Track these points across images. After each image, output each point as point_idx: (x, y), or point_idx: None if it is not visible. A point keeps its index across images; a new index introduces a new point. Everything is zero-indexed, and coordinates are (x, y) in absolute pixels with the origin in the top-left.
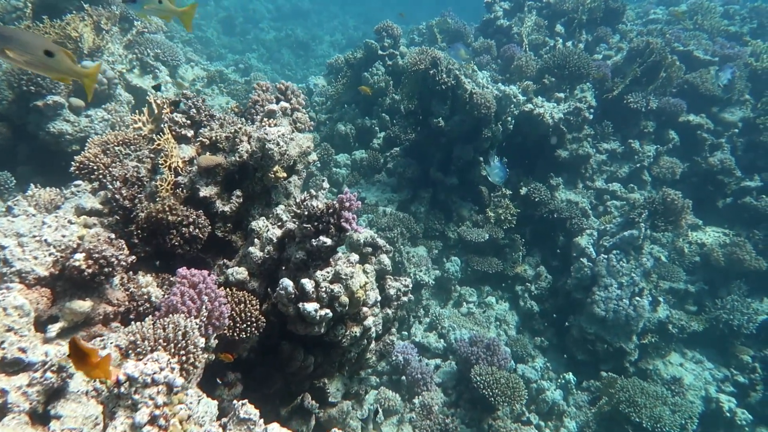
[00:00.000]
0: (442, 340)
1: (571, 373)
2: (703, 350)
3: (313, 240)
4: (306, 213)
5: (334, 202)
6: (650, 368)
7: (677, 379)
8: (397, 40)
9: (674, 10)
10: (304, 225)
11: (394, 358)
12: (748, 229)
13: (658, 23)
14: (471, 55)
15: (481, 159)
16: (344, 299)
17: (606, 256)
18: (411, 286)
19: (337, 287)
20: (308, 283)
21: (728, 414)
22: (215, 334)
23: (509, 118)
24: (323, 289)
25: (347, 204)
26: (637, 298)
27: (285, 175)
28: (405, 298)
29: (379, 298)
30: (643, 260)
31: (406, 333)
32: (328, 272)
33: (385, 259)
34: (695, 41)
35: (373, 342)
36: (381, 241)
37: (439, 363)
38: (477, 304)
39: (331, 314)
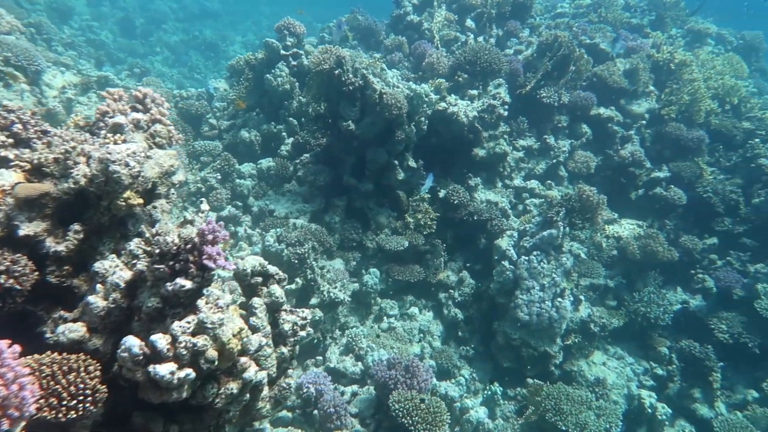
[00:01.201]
0: (359, 364)
1: (497, 383)
2: (624, 345)
3: (168, 284)
4: (158, 250)
5: (194, 235)
6: (575, 369)
7: (601, 381)
8: (300, 38)
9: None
10: (157, 265)
11: (305, 390)
12: (660, 220)
13: (565, 17)
14: (383, 52)
15: (396, 162)
16: (212, 354)
17: (527, 258)
18: (309, 318)
19: (201, 340)
20: (161, 340)
21: (650, 410)
22: (19, 428)
23: (422, 118)
24: (183, 345)
25: (210, 237)
26: (559, 299)
27: (141, 201)
28: (303, 333)
29: (264, 342)
30: (563, 260)
31: (320, 358)
32: (189, 322)
33: (277, 290)
34: (601, 34)
35: (266, 388)
36: (273, 269)
37: (357, 390)
38: (399, 316)
39: (193, 375)
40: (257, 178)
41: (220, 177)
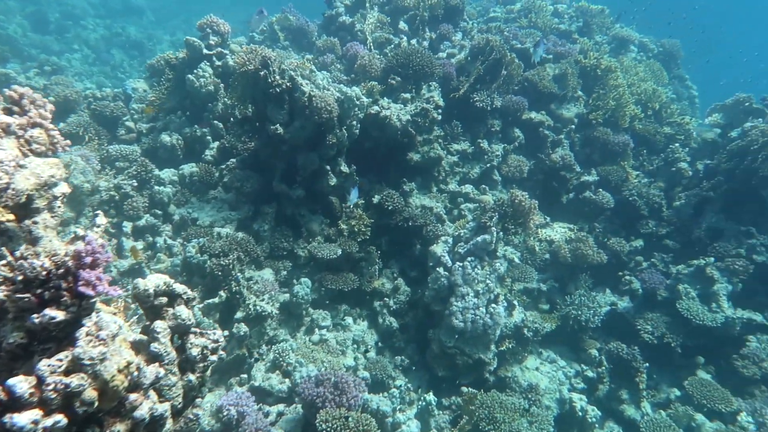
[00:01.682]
0: (287, 381)
1: (431, 393)
2: (557, 348)
3: (35, 315)
4: (22, 276)
5: (68, 258)
6: (509, 375)
7: (534, 386)
8: (225, 37)
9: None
10: (20, 294)
11: (225, 413)
12: (590, 222)
13: (497, 21)
14: (315, 54)
15: (328, 168)
16: (90, 394)
17: (461, 264)
18: (222, 340)
19: (76, 380)
20: (21, 383)
21: (580, 413)
22: None
23: (354, 122)
24: (52, 387)
25: (88, 259)
26: (493, 305)
27: (13, 216)
28: (214, 357)
29: (163, 373)
30: (497, 265)
31: (245, 376)
32: (61, 359)
33: (184, 312)
34: (531, 39)
35: (170, 421)
36: (180, 288)
37: (283, 409)
38: (332, 327)
39: (65, 422)
40: (179, 185)
41: (136, 184)
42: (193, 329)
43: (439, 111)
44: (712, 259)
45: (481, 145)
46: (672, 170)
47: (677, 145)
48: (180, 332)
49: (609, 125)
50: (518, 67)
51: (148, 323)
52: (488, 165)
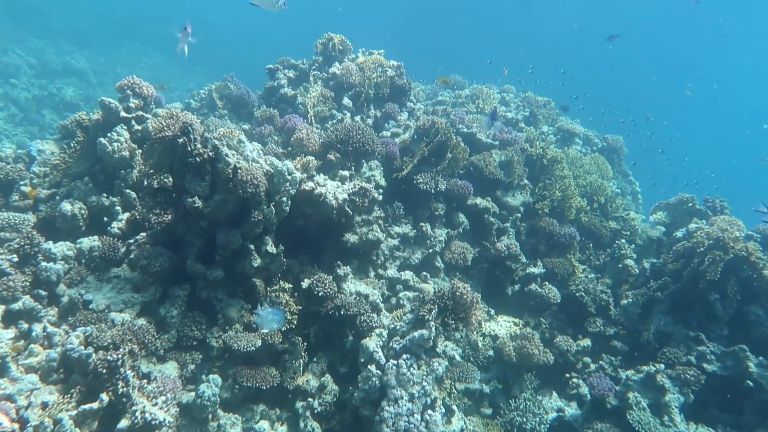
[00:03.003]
0: None
1: None
2: None
3: None
4: None
5: None
6: None
7: None
8: (147, 100)
9: (442, 78)
10: None
11: None
12: (536, 317)
13: (444, 104)
14: (254, 124)
15: (252, 247)
16: None
17: (396, 362)
18: None
19: None
20: None
21: None
22: None
23: (285, 198)
24: None
25: None
26: (430, 411)
27: None
28: None
29: None
30: (435, 365)
31: None
32: None
33: None
34: (477, 124)
35: None
36: None
37: None
38: None
39: None
40: (75, 261)
41: (17, 259)
42: None
43: (380, 191)
44: (663, 365)
45: (424, 229)
46: (619, 266)
47: (623, 241)
48: None
49: (555, 216)
50: (464, 151)
51: None
52: (431, 250)
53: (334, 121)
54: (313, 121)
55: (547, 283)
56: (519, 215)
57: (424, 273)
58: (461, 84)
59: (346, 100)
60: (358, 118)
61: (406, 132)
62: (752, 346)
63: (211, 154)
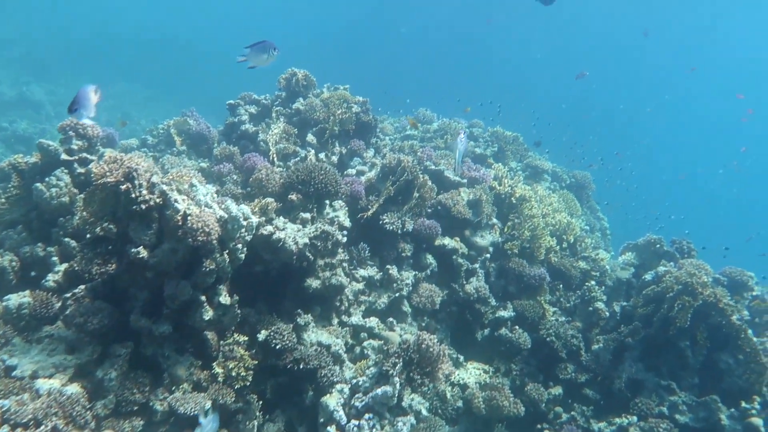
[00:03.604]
0: None
1: None
2: None
3: None
4: None
5: None
6: None
7: None
8: (92, 141)
9: (410, 119)
10: None
11: None
12: (506, 363)
13: (413, 139)
14: (213, 162)
15: (204, 298)
16: None
17: (357, 423)
18: None
19: None
20: None
21: None
22: None
23: (239, 245)
24: None
25: None
26: None
27: None
28: None
29: None
30: (399, 425)
31: None
32: None
33: None
34: (445, 161)
35: None
36: None
37: None
38: None
39: None
40: (3, 320)
41: None
42: None
43: (345, 233)
44: (635, 417)
45: (390, 271)
46: (589, 309)
47: (593, 283)
48: None
49: (525, 256)
50: (431, 190)
51: None
52: (397, 294)
53: (298, 158)
54: (275, 159)
55: (517, 327)
56: (488, 255)
57: (391, 319)
58: (430, 118)
59: (310, 137)
60: (322, 155)
61: (372, 170)
62: (723, 396)
63: (158, 200)
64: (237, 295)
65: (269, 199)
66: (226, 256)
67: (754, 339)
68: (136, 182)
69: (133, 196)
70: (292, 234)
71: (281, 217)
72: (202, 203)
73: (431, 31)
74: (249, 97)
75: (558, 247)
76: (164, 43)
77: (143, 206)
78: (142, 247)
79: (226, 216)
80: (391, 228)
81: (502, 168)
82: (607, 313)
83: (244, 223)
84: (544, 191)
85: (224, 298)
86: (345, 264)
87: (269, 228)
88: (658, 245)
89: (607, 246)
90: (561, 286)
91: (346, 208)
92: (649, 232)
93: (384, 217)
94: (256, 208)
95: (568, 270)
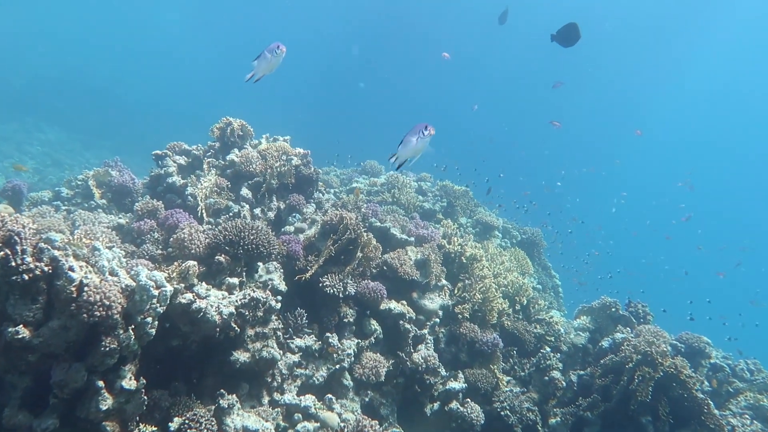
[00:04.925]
0: None
1: None
2: None
3: None
4: None
5: None
6: None
7: None
8: None
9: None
10: None
11: None
12: None
13: (360, 192)
14: (134, 218)
15: (101, 384)
16: None
17: None
18: None
19: None
20: None
21: None
22: None
23: (149, 319)
24: None
25: None
26: None
27: None
28: None
29: None
30: None
31: None
32: None
33: None
34: (392, 217)
35: None
36: None
37: None
38: None
39: None
40: None
41: None
42: None
43: (279, 298)
44: None
45: (330, 340)
46: (545, 379)
47: (548, 349)
48: None
49: (476, 320)
50: (376, 249)
51: None
52: (338, 366)
53: (230, 214)
54: (205, 215)
55: (469, 400)
56: (437, 320)
57: (329, 396)
58: (377, 171)
59: (245, 191)
60: (258, 210)
61: (312, 227)
62: None
63: (47, 268)
64: (148, 376)
65: (190, 263)
66: (131, 332)
67: (717, 413)
68: (18, 248)
69: (13, 264)
70: (215, 302)
71: (203, 283)
72: (105, 270)
73: (387, 85)
74: (179, 147)
75: (511, 309)
76: (105, 90)
77: (26, 276)
78: (22, 325)
79: (133, 285)
80: (332, 291)
81: (451, 224)
82: (564, 383)
83: (155, 292)
84: (495, 249)
85: (128, 382)
86: (279, 333)
87: (188, 296)
88: (613, 308)
89: (560, 305)
90: (515, 352)
91: (282, 270)
92: (603, 294)
93: (324, 280)
94: (174, 273)
95: (522, 335)
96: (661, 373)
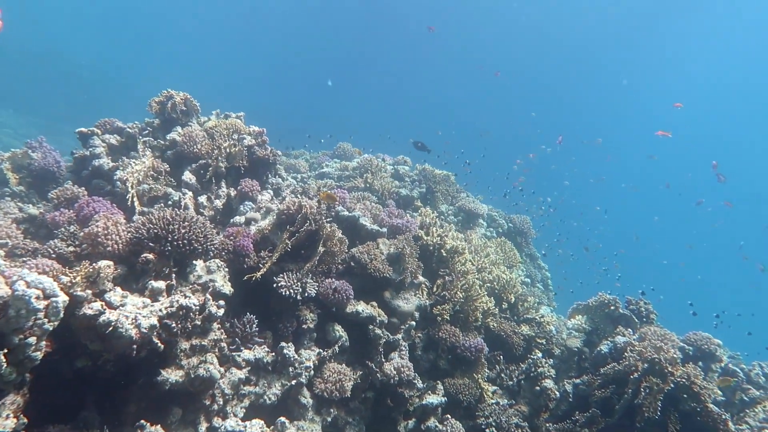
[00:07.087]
0: None
1: None
2: None
3: None
4: None
5: None
6: None
7: None
8: None
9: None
10: None
11: None
12: None
13: (330, 177)
14: (48, 208)
15: None
16: None
17: None
18: None
19: None
20: None
21: None
22: None
23: (34, 339)
24: None
25: None
26: None
27: None
28: None
29: None
30: None
31: None
32: None
33: None
34: (362, 205)
35: None
36: None
37: None
38: None
39: None
40: None
41: None
42: None
43: (222, 303)
44: None
45: (285, 351)
46: (536, 389)
47: (540, 355)
48: None
49: (458, 322)
50: (341, 243)
51: None
52: (294, 382)
53: (170, 202)
54: (137, 204)
55: (449, 416)
56: (413, 323)
57: (282, 419)
58: (350, 154)
59: (188, 175)
60: (203, 198)
61: (267, 217)
62: None
63: None
64: (48, 407)
65: (102, 263)
66: (2, 356)
67: (734, 429)
68: None
69: None
70: (132, 313)
71: (118, 289)
72: None
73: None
74: (110, 125)
75: (497, 308)
76: (71, 72)
77: None
78: None
79: (6, 296)
80: (288, 293)
81: (430, 213)
82: (558, 394)
83: (41, 304)
84: (480, 240)
85: (7, 420)
86: (224, 344)
87: (96, 306)
88: (612, 307)
89: (550, 300)
90: (501, 357)
91: (227, 269)
92: (601, 291)
93: (279, 279)
94: (78, 278)
95: (509, 337)
96: (672, 385)
